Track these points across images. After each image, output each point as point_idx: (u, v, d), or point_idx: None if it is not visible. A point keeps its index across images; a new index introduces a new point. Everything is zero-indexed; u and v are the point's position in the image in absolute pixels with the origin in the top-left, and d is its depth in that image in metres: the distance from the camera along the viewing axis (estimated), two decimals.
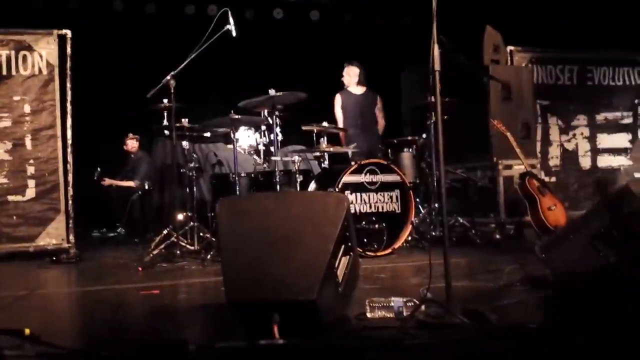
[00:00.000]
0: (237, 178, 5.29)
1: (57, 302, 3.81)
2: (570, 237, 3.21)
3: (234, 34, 5.04)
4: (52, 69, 5.64)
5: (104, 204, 7.31)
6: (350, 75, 6.30)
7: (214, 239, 5.06)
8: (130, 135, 7.58)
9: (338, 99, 6.34)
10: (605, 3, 7.98)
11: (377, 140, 6.08)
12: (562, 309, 2.31)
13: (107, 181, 7.29)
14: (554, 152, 7.26)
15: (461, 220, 5.57)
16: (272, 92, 5.14)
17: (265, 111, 5.52)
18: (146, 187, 7.30)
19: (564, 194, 6.80)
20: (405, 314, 2.64)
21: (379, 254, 4.88)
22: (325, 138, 5.39)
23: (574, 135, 7.38)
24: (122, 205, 7.21)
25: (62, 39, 5.65)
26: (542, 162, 6.92)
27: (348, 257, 2.84)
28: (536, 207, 5.22)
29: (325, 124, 5.38)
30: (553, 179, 7.04)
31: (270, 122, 5.39)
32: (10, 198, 5.49)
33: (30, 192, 5.54)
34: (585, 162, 7.40)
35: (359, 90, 6.33)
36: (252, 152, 5.68)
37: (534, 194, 5.30)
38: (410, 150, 5.60)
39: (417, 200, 5.51)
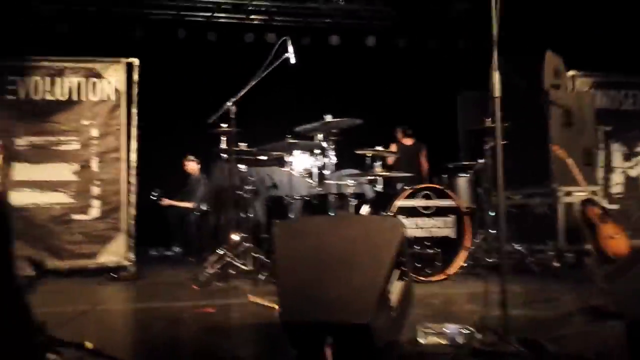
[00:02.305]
0: (291, 201, 5.36)
1: (116, 318, 3.94)
2: (634, 267, 3.08)
3: (292, 61, 5.17)
4: (119, 95, 5.90)
5: (162, 223, 7.52)
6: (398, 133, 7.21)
7: (267, 260, 5.12)
8: (189, 157, 7.81)
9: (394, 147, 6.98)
10: None
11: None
12: None
13: (166, 202, 7.52)
14: (617, 179, 7.00)
15: (518, 248, 5.43)
16: (328, 117, 5.21)
17: (320, 135, 5.58)
18: (203, 208, 7.48)
19: (627, 222, 6.50)
20: (459, 341, 2.60)
21: (432, 279, 4.82)
22: (380, 162, 5.41)
23: (638, 162, 7.10)
24: (180, 225, 7.42)
25: (129, 67, 5.91)
26: (604, 189, 6.68)
27: (402, 281, 2.82)
28: (597, 235, 5.04)
29: (379, 148, 5.40)
30: (616, 207, 6.77)
31: (325, 146, 5.44)
32: (75, 217, 5.73)
33: (94, 212, 5.77)
34: None
35: (409, 141, 7.21)
36: (306, 175, 5.75)
37: (594, 221, 5.12)
38: (467, 175, 5.53)
39: (473, 226, 5.41)
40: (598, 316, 3.05)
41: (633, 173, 7.07)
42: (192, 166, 7.84)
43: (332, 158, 5.40)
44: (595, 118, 6.54)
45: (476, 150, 5.79)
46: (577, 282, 4.54)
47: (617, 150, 7.03)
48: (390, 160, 6.80)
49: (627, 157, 7.06)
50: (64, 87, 5.84)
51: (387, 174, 5.48)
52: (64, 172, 5.76)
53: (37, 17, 7.54)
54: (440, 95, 7.97)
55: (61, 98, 5.83)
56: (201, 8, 8.58)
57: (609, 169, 6.96)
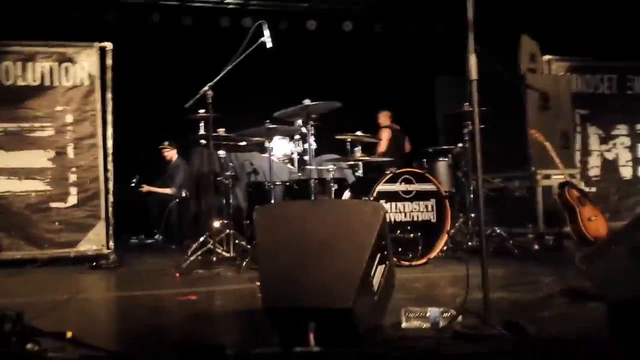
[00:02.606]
0: (272, 186, 5.33)
1: (97, 307, 3.90)
2: (611, 249, 3.13)
3: (269, 45, 5.11)
4: (93, 80, 5.79)
5: (142, 211, 7.45)
6: (386, 118, 7.15)
7: (249, 246, 5.11)
8: (166, 144, 7.73)
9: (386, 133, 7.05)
10: None
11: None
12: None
13: (146, 188, 7.45)
14: (594, 161, 7.10)
15: (498, 231, 5.48)
16: (306, 101, 5.17)
17: (300, 120, 5.55)
18: (183, 194, 7.42)
19: (605, 204, 6.62)
20: (441, 324, 2.62)
21: (414, 263, 4.84)
22: (360, 147, 5.40)
23: (614, 144, 7.21)
24: (160, 213, 7.35)
25: (102, 51, 5.80)
26: (581, 172, 6.78)
27: (384, 266, 2.83)
28: (576, 218, 5.12)
29: (359, 133, 5.38)
30: (593, 189, 6.88)
31: (305, 131, 5.41)
32: (53, 205, 5.64)
33: (72, 199, 5.69)
34: (626, 172, 7.22)
35: (396, 125, 7.21)
36: (286, 160, 5.73)
37: (573, 204, 5.20)
38: (446, 159, 5.55)
39: (453, 209, 5.45)
40: (578, 298, 3.10)
41: (610, 156, 7.18)
42: (169, 153, 7.76)
43: (312, 143, 5.38)
44: (572, 102, 6.62)
45: (455, 134, 5.82)
46: (557, 264, 4.60)
47: (593, 134, 7.13)
48: (383, 146, 6.82)
49: (604, 140, 7.16)
50: (36, 72, 5.71)
51: (367, 158, 5.46)
52: (40, 159, 5.65)
53: (6, 1, 7.33)
54: (418, 80, 8.00)
55: (33, 83, 5.70)
56: None
57: (586, 152, 7.06)
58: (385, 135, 7.02)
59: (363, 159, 5.43)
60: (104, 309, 3.89)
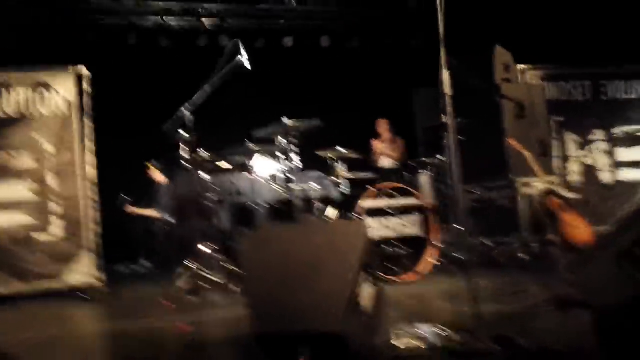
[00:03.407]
0: (256, 207, 5.32)
1: (89, 341, 3.83)
2: (596, 255, 3.16)
3: (246, 64, 5.10)
4: (69, 105, 5.71)
5: (127, 238, 7.35)
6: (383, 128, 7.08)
7: (236, 269, 5.07)
8: (152, 164, 7.58)
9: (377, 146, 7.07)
10: (614, 18, 7.99)
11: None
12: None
13: (130, 209, 7.31)
14: (573, 168, 7.20)
15: (484, 241, 5.52)
16: (285, 120, 5.18)
17: (281, 138, 5.54)
18: (167, 218, 7.35)
19: (586, 210, 6.70)
20: (433, 341, 2.62)
21: (402, 278, 4.85)
22: (343, 164, 5.41)
23: (592, 150, 7.32)
24: (145, 239, 7.26)
25: (78, 76, 5.74)
26: (561, 179, 6.86)
27: (372, 285, 2.83)
28: (560, 225, 5.17)
29: (340, 148, 5.39)
30: (574, 195, 6.96)
31: (287, 149, 5.41)
32: (35, 236, 5.52)
33: (55, 230, 5.58)
34: (605, 177, 7.33)
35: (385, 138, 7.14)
36: (270, 180, 5.71)
37: (556, 211, 5.25)
38: (427, 171, 5.58)
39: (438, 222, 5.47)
40: (565, 306, 3.12)
41: (588, 161, 7.28)
42: (157, 174, 7.61)
43: (295, 161, 5.38)
44: (547, 109, 6.72)
45: (435, 146, 5.86)
46: (544, 272, 4.65)
47: (571, 140, 7.23)
48: (399, 154, 6.89)
49: (581, 145, 7.27)
50: (11, 100, 5.62)
51: (350, 175, 5.47)
52: (20, 190, 5.55)
53: None
54: (396, 93, 8.05)
55: (10, 112, 5.61)
56: (151, 12, 8.42)
57: (564, 158, 7.16)
58: (400, 142, 7.09)
59: (345, 176, 5.44)
60: (94, 343, 3.82)
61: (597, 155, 7.33)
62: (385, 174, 5.94)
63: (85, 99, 5.72)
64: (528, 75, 7.10)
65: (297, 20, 8.85)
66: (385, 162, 6.95)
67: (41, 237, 5.55)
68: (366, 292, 2.76)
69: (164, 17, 8.49)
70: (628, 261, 2.91)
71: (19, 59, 6.17)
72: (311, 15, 8.87)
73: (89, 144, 5.70)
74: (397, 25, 8.86)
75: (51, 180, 5.62)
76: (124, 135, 7.57)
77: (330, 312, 2.52)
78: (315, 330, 2.52)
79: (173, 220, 7.27)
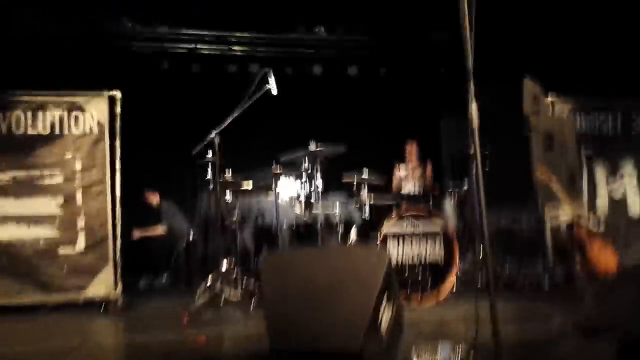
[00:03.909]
0: (279, 229, 5.35)
1: (108, 354, 3.86)
2: (620, 286, 3.10)
3: (274, 92, 5.21)
4: (102, 128, 5.85)
5: (149, 253, 7.41)
6: (408, 151, 6.85)
7: (256, 289, 5.08)
8: (148, 191, 7.64)
9: (396, 171, 6.81)
10: None
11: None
12: None
13: (137, 235, 7.38)
14: (602, 201, 7.05)
15: (508, 269, 5.43)
16: (312, 145, 5.23)
17: (306, 162, 5.60)
18: (190, 235, 7.37)
19: (614, 243, 6.55)
20: None
21: (423, 304, 4.79)
22: (367, 188, 5.43)
23: (621, 184, 7.18)
24: (167, 255, 7.31)
25: (111, 100, 5.89)
26: (589, 212, 6.73)
27: (392, 308, 2.81)
28: (585, 255, 5.06)
29: (365, 174, 5.42)
30: (602, 229, 6.82)
31: (311, 173, 5.45)
32: (61, 250, 5.63)
33: (80, 245, 5.69)
34: (634, 211, 7.17)
35: (412, 162, 6.84)
36: (293, 202, 5.75)
37: (582, 240, 5.15)
38: (452, 199, 5.55)
39: (461, 248, 5.41)
40: (588, 336, 3.04)
41: (617, 195, 7.14)
42: (154, 198, 7.69)
43: (319, 185, 5.42)
44: (577, 142, 6.64)
45: (461, 174, 5.84)
46: (567, 301, 4.55)
47: (600, 173, 7.10)
48: (422, 179, 6.71)
49: (611, 179, 7.14)
50: (46, 121, 5.79)
51: (373, 200, 5.48)
52: (49, 205, 5.68)
53: (17, 50, 7.53)
54: (423, 122, 8.07)
55: (43, 132, 5.77)
56: (184, 40, 8.64)
57: (593, 192, 7.02)
58: (428, 166, 6.82)
59: (369, 200, 5.44)
60: (115, 356, 3.85)
61: (627, 189, 7.18)
62: (410, 200, 5.90)
63: (117, 122, 5.86)
64: (557, 106, 7.04)
65: (325, 49, 8.98)
66: (410, 187, 6.83)
67: (67, 250, 5.65)
68: (386, 316, 2.74)
69: (196, 44, 8.70)
70: None
71: (55, 81, 6.36)
72: (340, 45, 8.99)
73: (118, 165, 5.82)
74: (425, 55, 8.91)
75: (79, 197, 5.74)
76: (153, 157, 7.72)
77: (349, 333, 2.51)
78: (333, 349, 2.50)
79: (195, 238, 7.29)
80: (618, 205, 7.11)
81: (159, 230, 7.43)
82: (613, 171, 7.16)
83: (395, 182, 6.80)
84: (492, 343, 2.60)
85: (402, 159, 6.87)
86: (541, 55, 7.80)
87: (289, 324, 2.66)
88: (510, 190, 5.98)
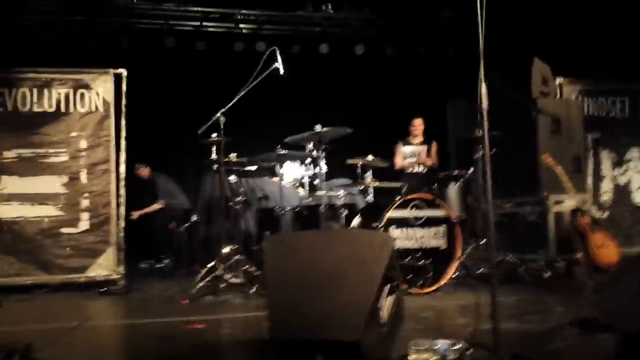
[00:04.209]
0: (282, 212, 5.35)
1: (105, 335, 3.91)
2: (622, 279, 3.09)
3: (281, 71, 5.17)
4: (107, 106, 5.85)
5: (151, 235, 7.44)
6: (416, 126, 6.74)
7: (258, 272, 5.11)
8: (139, 165, 7.55)
9: (399, 147, 6.71)
10: None
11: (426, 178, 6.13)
12: None
13: (135, 214, 7.30)
14: (606, 186, 7.01)
15: (510, 257, 5.44)
16: (317, 127, 5.21)
17: (311, 145, 5.58)
18: (162, 205, 7.39)
19: (617, 230, 6.51)
20: (450, 357, 2.59)
21: (424, 291, 4.81)
22: (371, 172, 5.42)
23: (627, 169, 7.13)
24: (169, 238, 7.34)
25: (117, 78, 5.87)
26: (593, 197, 6.70)
27: (393, 297, 2.82)
28: (588, 245, 5.06)
29: (370, 157, 5.40)
30: (605, 214, 6.79)
31: (316, 155, 5.44)
32: (64, 230, 5.66)
33: (84, 225, 5.71)
34: (638, 197, 7.13)
35: (419, 139, 6.74)
36: (297, 185, 5.75)
37: (585, 231, 5.14)
38: (457, 184, 5.53)
39: (464, 235, 5.41)
40: (588, 329, 3.06)
41: (622, 180, 7.09)
42: (145, 171, 7.62)
43: (323, 168, 5.40)
44: (584, 125, 6.58)
45: (467, 159, 5.80)
46: (568, 292, 4.55)
47: (606, 158, 7.04)
48: (436, 158, 6.66)
49: (616, 164, 7.08)
50: (52, 98, 5.78)
51: (377, 183, 5.46)
52: (53, 184, 5.69)
53: (22, 28, 7.49)
54: (430, 104, 7.99)
55: (49, 110, 5.77)
56: (190, 17, 8.56)
57: (598, 176, 6.98)
58: (435, 146, 6.73)
59: (374, 184, 5.43)
60: (112, 337, 3.90)
61: (632, 174, 7.13)
62: (413, 181, 5.89)
63: (123, 101, 5.84)
64: (565, 89, 6.96)
65: (333, 27, 8.88)
66: (414, 166, 6.65)
67: (70, 230, 5.68)
68: (387, 304, 2.75)
69: (203, 22, 8.62)
70: None
71: (62, 60, 6.34)
72: (347, 23, 8.89)
73: (123, 143, 5.82)
74: (433, 35, 8.80)
75: (84, 177, 5.76)
76: (158, 136, 7.72)
77: (349, 322, 2.52)
78: (332, 338, 2.52)
79: (198, 220, 7.30)
80: (623, 190, 7.08)
81: (157, 206, 7.40)
82: (619, 156, 7.11)
83: (397, 160, 6.67)
84: (491, 335, 2.62)
85: (407, 140, 6.80)
86: (551, 37, 7.68)
87: (290, 311, 2.67)
88: (516, 175, 5.95)
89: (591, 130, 6.91)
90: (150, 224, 7.40)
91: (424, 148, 6.67)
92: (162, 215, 7.45)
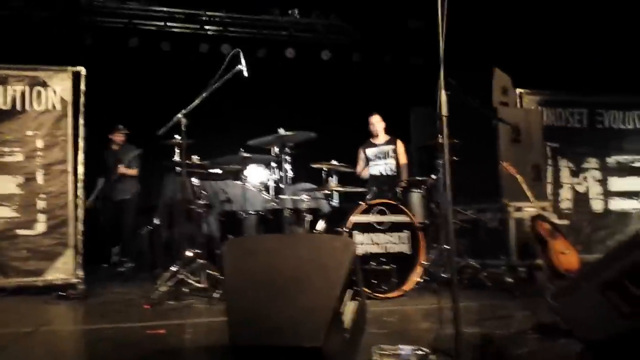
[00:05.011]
0: (245, 216, 5.29)
1: (61, 340, 3.77)
2: (582, 285, 3.14)
3: (245, 74, 5.12)
4: (65, 104, 5.68)
5: (111, 237, 7.27)
6: (374, 124, 6.61)
7: (221, 277, 5.03)
8: (121, 127, 7.29)
9: (360, 153, 6.66)
10: (615, 48, 8.05)
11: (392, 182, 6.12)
12: None
13: (121, 170, 7.05)
14: (565, 194, 7.19)
15: (471, 262, 5.50)
16: (281, 131, 5.18)
17: (276, 148, 5.54)
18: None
19: (576, 237, 6.70)
20: None
21: (388, 295, 4.82)
22: (336, 177, 5.41)
23: (585, 177, 7.32)
24: (132, 240, 7.18)
25: (76, 76, 5.71)
26: (553, 205, 6.85)
27: (355, 302, 2.80)
28: (548, 251, 5.15)
29: (334, 162, 5.39)
30: (565, 222, 6.95)
31: (280, 159, 5.41)
32: (20, 232, 5.47)
33: (40, 227, 5.53)
34: (597, 205, 7.32)
35: (382, 139, 6.62)
36: (261, 188, 5.70)
37: (545, 237, 5.23)
38: (420, 190, 5.57)
39: (427, 241, 5.44)
40: (549, 334, 3.10)
41: (581, 189, 7.28)
42: (121, 138, 7.33)
43: (288, 172, 5.38)
44: (543, 135, 6.73)
45: (429, 165, 5.85)
46: (529, 297, 4.62)
47: (564, 167, 7.23)
48: (405, 158, 6.57)
49: (575, 173, 7.27)
50: (7, 95, 5.59)
51: (342, 188, 5.46)
52: (8, 184, 5.50)
53: None
54: (393, 111, 8.04)
55: (4, 107, 5.57)
56: (154, 17, 8.45)
57: (557, 184, 7.15)
58: (402, 145, 6.61)
59: (338, 189, 5.43)
60: (69, 342, 3.77)
61: (590, 183, 7.33)
62: (378, 184, 5.91)
63: (82, 99, 5.68)
64: (525, 99, 7.13)
65: (299, 32, 8.89)
66: (379, 167, 6.50)
67: (26, 232, 5.49)
68: (349, 309, 2.73)
69: (167, 22, 8.51)
70: (615, 292, 2.89)
71: (18, 55, 6.15)
72: (314, 28, 8.91)
73: (81, 143, 5.66)
74: (398, 43, 8.90)
75: (40, 177, 5.58)
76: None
77: (310, 327, 2.49)
78: (293, 344, 2.48)
79: (160, 224, 7.15)
80: (581, 198, 7.26)
81: (134, 171, 7.15)
82: (577, 165, 7.30)
83: (358, 168, 6.62)
84: (453, 341, 2.62)
85: (369, 143, 6.70)
86: (512, 48, 7.86)
87: (250, 317, 2.62)
88: (477, 182, 6.03)
89: (550, 139, 7.08)
90: (118, 226, 7.21)
91: (389, 148, 6.57)
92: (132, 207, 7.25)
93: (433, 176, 5.59)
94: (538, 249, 5.25)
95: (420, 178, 5.67)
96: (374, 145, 6.64)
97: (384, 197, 5.22)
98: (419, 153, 7.51)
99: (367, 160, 6.65)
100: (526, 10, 7.94)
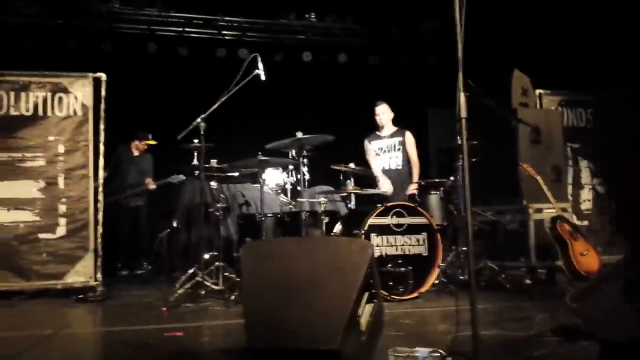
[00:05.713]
0: (263, 218, 5.31)
1: (81, 343, 3.82)
2: (602, 287, 3.10)
3: (262, 78, 5.15)
4: (86, 110, 5.76)
5: (132, 241, 7.35)
6: (380, 114, 6.26)
7: (238, 279, 5.05)
8: (150, 136, 7.42)
9: (367, 146, 6.30)
10: (636, 48, 7.91)
11: (406, 180, 6.03)
12: None
13: (151, 186, 7.19)
14: (586, 195, 7.10)
15: (490, 264, 5.45)
16: (299, 134, 5.19)
17: (293, 151, 5.56)
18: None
19: (597, 239, 6.60)
20: None
21: (404, 297, 4.79)
22: (353, 179, 5.41)
23: None
24: (150, 243, 7.25)
25: (96, 82, 5.79)
26: (573, 206, 6.77)
27: (372, 304, 2.79)
28: (568, 253, 5.09)
29: (352, 165, 5.39)
30: (585, 223, 6.87)
31: (298, 162, 5.42)
32: (41, 236, 5.55)
33: (61, 230, 5.61)
34: None
35: (388, 131, 6.27)
36: (279, 191, 5.72)
37: (565, 238, 5.17)
38: (438, 192, 5.54)
39: (445, 243, 5.41)
40: (569, 336, 3.06)
41: (601, 189, 7.18)
42: (143, 146, 7.47)
43: (306, 174, 5.38)
44: (563, 136, 6.65)
45: (447, 167, 5.81)
46: (549, 299, 4.57)
47: (585, 167, 7.14)
48: (409, 146, 6.17)
49: (595, 173, 7.18)
50: (30, 101, 5.69)
51: (359, 191, 5.45)
52: (30, 189, 5.59)
53: (2, 30, 7.39)
54: (411, 113, 8.02)
55: (26, 113, 5.67)
56: (172, 23, 8.53)
57: (577, 185, 7.06)
58: (412, 137, 6.17)
59: (355, 192, 5.42)
60: (88, 345, 3.81)
61: None
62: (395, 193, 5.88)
63: (102, 105, 5.76)
64: (545, 100, 7.05)
65: (316, 36, 8.91)
66: (385, 160, 6.11)
67: (47, 236, 5.57)
68: (366, 312, 2.72)
69: (185, 28, 8.59)
70: (636, 293, 2.85)
71: (40, 62, 6.25)
72: (330, 32, 8.92)
73: (102, 148, 5.74)
74: (414, 45, 8.87)
75: (61, 181, 5.66)
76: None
77: (327, 330, 2.49)
78: (311, 347, 2.48)
79: (179, 227, 7.20)
80: (602, 199, 7.16)
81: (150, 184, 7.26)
82: (597, 166, 7.19)
83: (369, 159, 6.18)
84: (470, 344, 2.60)
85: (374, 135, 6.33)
86: (532, 48, 7.78)
87: (267, 319, 2.63)
88: (497, 184, 5.97)
89: (571, 140, 7.00)
90: (136, 230, 7.30)
91: (396, 140, 6.15)
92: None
93: (452, 178, 5.56)
94: (558, 251, 5.18)
95: (438, 180, 5.64)
96: (379, 138, 6.24)
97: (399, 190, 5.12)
98: (438, 154, 7.47)
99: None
100: (545, 10, 7.85)
